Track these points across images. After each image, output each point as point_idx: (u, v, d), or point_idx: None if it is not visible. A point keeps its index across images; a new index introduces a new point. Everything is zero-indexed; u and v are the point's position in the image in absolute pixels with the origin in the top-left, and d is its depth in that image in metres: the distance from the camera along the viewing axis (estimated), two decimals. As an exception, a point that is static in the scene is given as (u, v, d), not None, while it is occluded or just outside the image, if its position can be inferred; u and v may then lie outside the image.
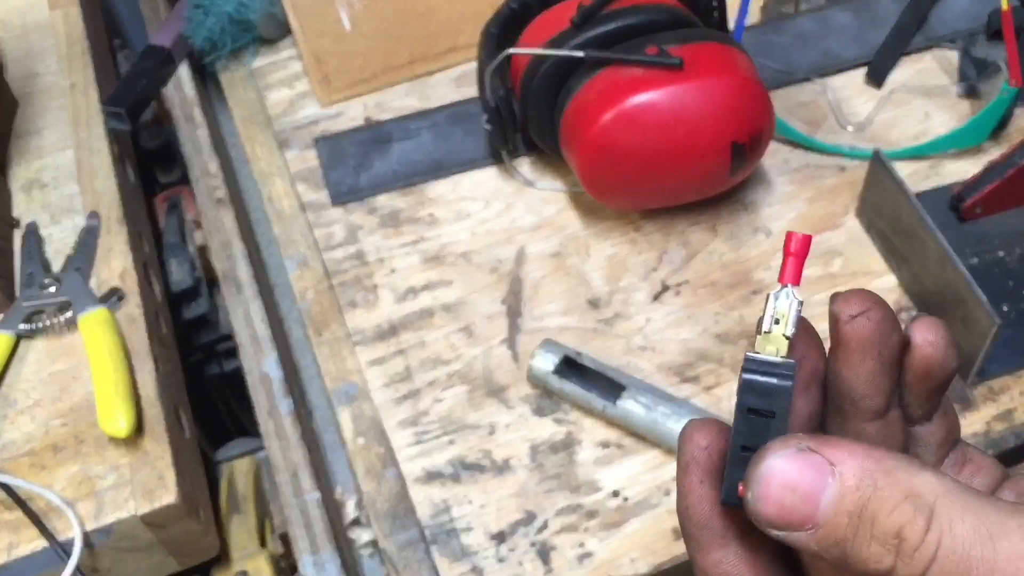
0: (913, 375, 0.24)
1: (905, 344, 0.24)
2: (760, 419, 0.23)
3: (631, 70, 0.51)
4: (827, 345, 0.25)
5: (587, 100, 0.51)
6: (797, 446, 0.21)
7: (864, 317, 0.23)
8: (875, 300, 0.23)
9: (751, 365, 0.23)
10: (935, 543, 0.19)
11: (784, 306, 0.23)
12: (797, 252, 0.23)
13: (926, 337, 0.23)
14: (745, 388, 0.23)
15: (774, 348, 0.23)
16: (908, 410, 0.25)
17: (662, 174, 0.52)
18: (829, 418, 0.25)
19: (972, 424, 0.51)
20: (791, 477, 0.21)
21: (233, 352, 0.67)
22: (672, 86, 0.49)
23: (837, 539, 0.20)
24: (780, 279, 0.23)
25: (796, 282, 0.23)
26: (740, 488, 0.22)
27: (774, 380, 0.23)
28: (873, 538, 0.20)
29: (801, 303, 0.23)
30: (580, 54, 0.52)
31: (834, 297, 0.24)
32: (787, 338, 0.23)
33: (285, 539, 0.56)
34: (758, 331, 0.23)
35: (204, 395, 0.69)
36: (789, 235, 0.23)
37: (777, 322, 0.23)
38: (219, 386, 0.70)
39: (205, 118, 0.65)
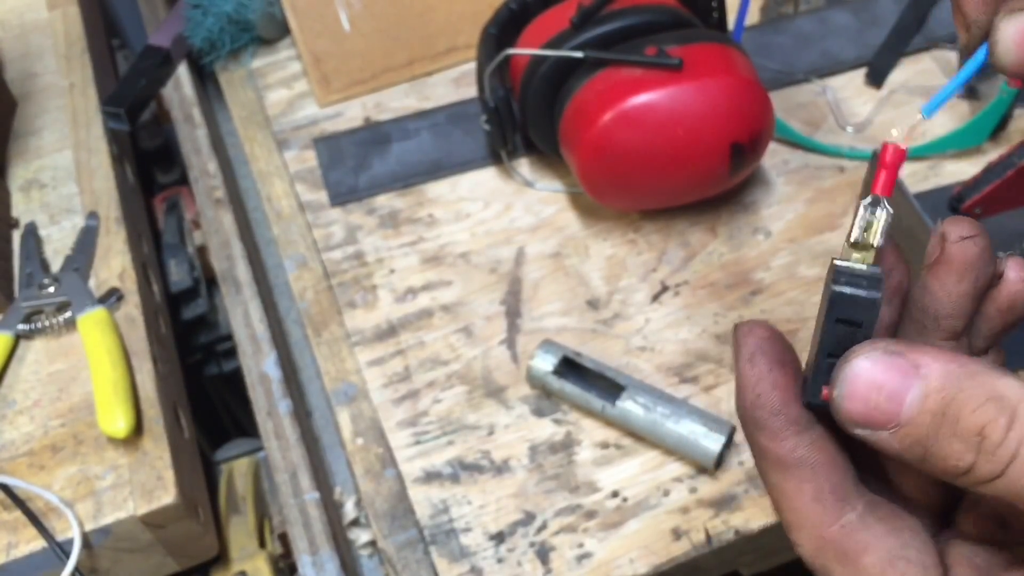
0: (995, 307, 0.25)
1: (996, 277, 0.24)
2: (847, 328, 0.23)
3: (630, 71, 0.51)
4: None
5: (586, 101, 0.51)
6: (884, 348, 0.21)
7: (972, 241, 0.24)
8: (982, 229, 0.24)
9: (840, 276, 0.23)
10: (1016, 441, 0.20)
11: (875, 216, 0.23)
12: (891, 163, 0.24)
13: (1020, 274, 0.24)
14: (834, 299, 0.23)
15: (861, 257, 0.23)
16: (973, 340, 0.25)
17: (662, 175, 0.52)
18: (904, 333, 0.26)
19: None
20: (877, 377, 0.21)
21: (232, 352, 0.67)
22: (672, 87, 0.49)
23: (919, 438, 0.21)
24: (872, 190, 0.24)
25: (888, 193, 0.24)
26: (824, 392, 0.23)
27: (862, 292, 0.23)
28: (955, 436, 0.20)
29: (891, 214, 0.24)
30: (579, 55, 0.52)
31: (942, 221, 0.25)
32: (875, 248, 0.23)
33: (284, 539, 0.56)
34: (847, 240, 0.24)
35: (203, 395, 0.69)
36: (885, 145, 0.24)
37: (866, 232, 0.23)
38: (218, 386, 0.70)
39: (204, 118, 0.65)
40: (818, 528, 0.23)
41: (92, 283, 0.55)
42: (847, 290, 0.23)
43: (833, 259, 0.24)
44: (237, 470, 0.58)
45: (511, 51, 0.54)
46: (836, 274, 0.23)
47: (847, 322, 0.23)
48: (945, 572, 0.22)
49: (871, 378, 0.21)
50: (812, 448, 0.24)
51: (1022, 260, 0.25)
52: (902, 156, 0.23)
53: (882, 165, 0.24)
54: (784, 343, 0.25)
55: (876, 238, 0.23)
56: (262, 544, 0.55)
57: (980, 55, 0.25)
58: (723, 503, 0.48)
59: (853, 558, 0.23)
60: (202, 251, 0.64)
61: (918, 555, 0.22)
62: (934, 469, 0.21)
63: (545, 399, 0.52)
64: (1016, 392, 0.20)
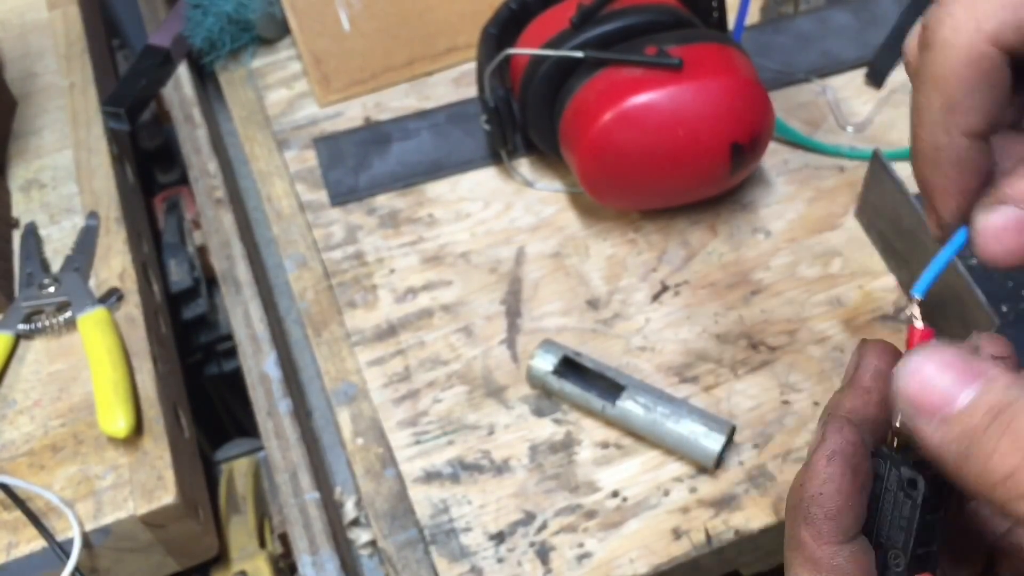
0: None
1: None
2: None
3: (631, 70, 0.51)
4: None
5: (587, 100, 0.51)
6: (959, 353, 0.22)
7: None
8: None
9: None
10: None
11: None
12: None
13: (995, 351, 0.25)
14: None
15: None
16: None
17: (662, 175, 0.52)
18: None
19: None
20: (946, 366, 0.21)
21: (232, 352, 0.67)
22: (672, 87, 0.50)
23: (967, 430, 0.21)
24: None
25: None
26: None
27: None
28: (1006, 434, 0.20)
29: None
30: (580, 54, 0.52)
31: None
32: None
33: (284, 539, 0.56)
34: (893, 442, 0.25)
35: (203, 395, 0.69)
36: (912, 331, 0.25)
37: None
38: (218, 386, 0.70)
39: (204, 118, 0.65)
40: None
41: (92, 283, 0.55)
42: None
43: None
44: (237, 470, 0.58)
45: (511, 51, 0.54)
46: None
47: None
48: None
49: (941, 363, 0.22)
50: (849, 560, 0.24)
51: (999, 339, 0.25)
52: (929, 335, 0.25)
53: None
54: (864, 451, 0.25)
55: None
56: (262, 544, 0.55)
57: (960, 237, 0.25)
58: (723, 503, 0.48)
59: None
60: (202, 251, 0.64)
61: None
62: (971, 471, 0.21)
63: (545, 399, 0.52)
64: None
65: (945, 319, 0.51)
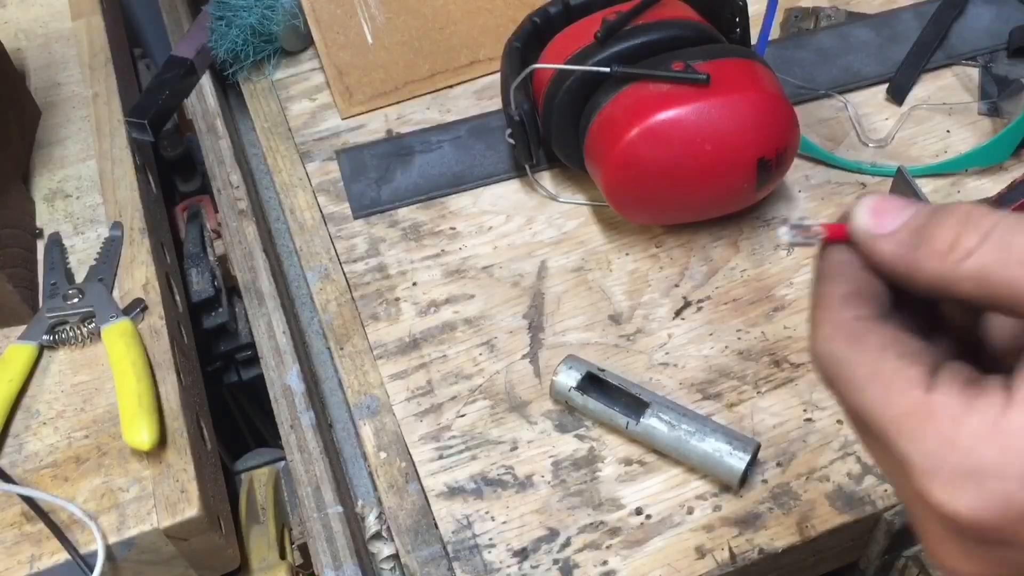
0: None
1: None
2: None
3: (657, 86, 0.51)
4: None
5: (613, 115, 0.51)
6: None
7: None
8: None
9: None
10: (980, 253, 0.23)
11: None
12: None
13: None
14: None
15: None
16: None
17: (688, 190, 0.52)
18: None
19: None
20: (891, 197, 0.26)
21: (251, 361, 0.67)
22: (699, 102, 0.49)
23: (917, 226, 0.24)
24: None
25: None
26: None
27: None
28: (947, 216, 0.24)
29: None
30: (607, 69, 0.52)
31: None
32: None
33: (304, 550, 0.56)
34: None
35: (222, 404, 0.69)
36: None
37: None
38: (237, 394, 0.70)
39: (227, 129, 0.65)
40: (837, 316, 0.25)
41: (116, 293, 0.55)
42: None
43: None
44: (257, 480, 0.58)
45: (538, 66, 0.54)
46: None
47: None
48: (936, 369, 0.24)
49: (885, 196, 0.26)
50: (854, 265, 0.26)
51: None
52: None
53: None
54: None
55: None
56: (282, 555, 0.55)
57: None
58: (747, 521, 0.48)
59: (859, 337, 0.25)
60: (223, 260, 0.65)
61: (919, 344, 0.25)
62: (922, 256, 0.24)
63: (568, 414, 0.52)
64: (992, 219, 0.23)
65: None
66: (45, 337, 0.53)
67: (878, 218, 0.25)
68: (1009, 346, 0.28)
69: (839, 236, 0.26)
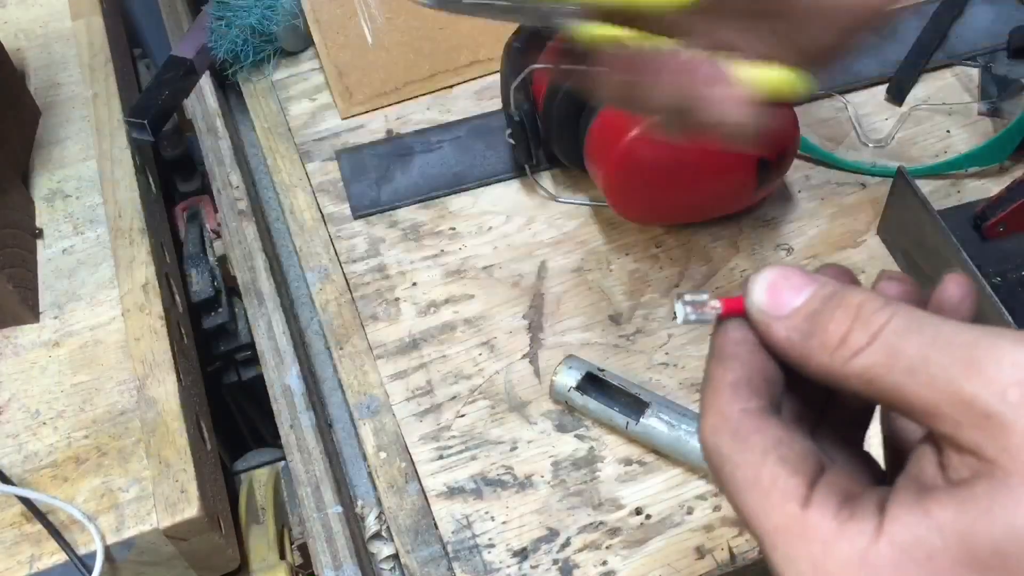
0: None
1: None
2: None
3: (657, 87, 0.51)
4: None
5: (613, 116, 0.51)
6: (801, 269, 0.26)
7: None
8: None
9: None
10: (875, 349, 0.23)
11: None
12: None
13: (960, 291, 0.28)
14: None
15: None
16: None
17: (689, 190, 0.52)
18: None
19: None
20: (790, 271, 0.25)
21: (251, 361, 0.67)
22: (699, 103, 0.49)
23: (809, 312, 0.24)
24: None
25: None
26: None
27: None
28: (839, 308, 0.24)
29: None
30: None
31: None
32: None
33: (304, 550, 0.55)
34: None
35: (222, 404, 0.69)
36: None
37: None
38: (236, 394, 0.70)
39: (227, 129, 0.65)
40: (724, 407, 0.25)
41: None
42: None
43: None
44: (257, 480, 0.58)
45: (538, 66, 0.54)
46: None
47: None
48: (815, 481, 0.24)
49: (784, 272, 0.25)
50: (749, 345, 0.26)
51: (961, 278, 0.28)
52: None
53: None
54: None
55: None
56: (282, 555, 0.55)
57: None
58: (747, 521, 0.48)
59: (743, 436, 0.24)
60: (223, 260, 0.64)
61: (802, 447, 0.24)
62: (814, 346, 0.24)
63: (568, 414, 0.52)
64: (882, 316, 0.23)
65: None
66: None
67: (774, 297, 0.25)
68: (907, 438, 0.27)
69: (736, 311, 0.26)
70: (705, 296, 0.27)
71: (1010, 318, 0.47)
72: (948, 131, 0.63)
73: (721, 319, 0.27)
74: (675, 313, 0.27)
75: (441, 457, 0.51)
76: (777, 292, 0.25)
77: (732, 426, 0.25)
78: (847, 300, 0.24)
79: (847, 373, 0.23)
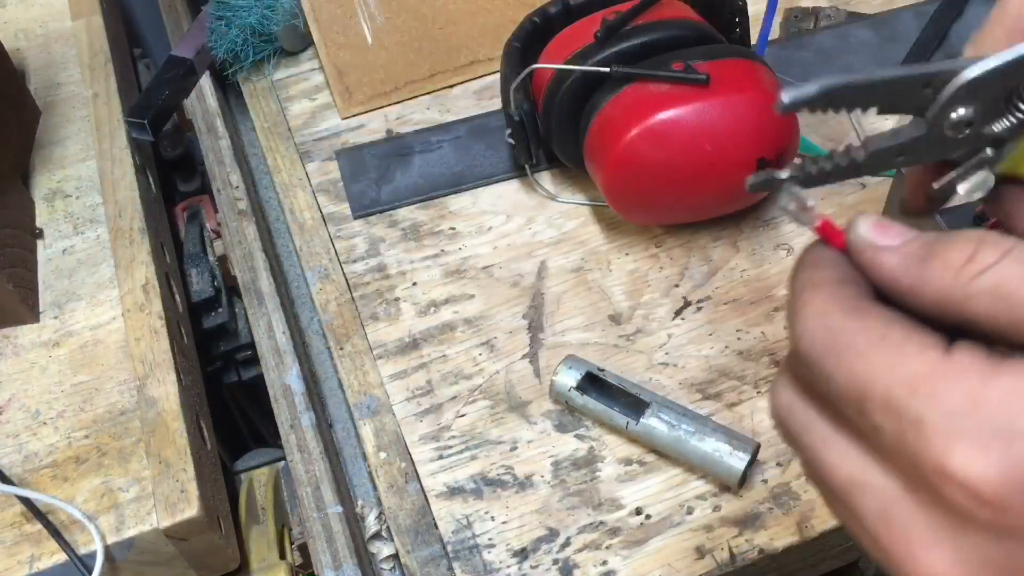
0: None
1: None
2: None
3: (657, 86, 0.51)
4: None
5: (613, 115, 0.51)
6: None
7: None
8: None
9: None
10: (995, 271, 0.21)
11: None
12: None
13: None
14: None
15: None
16: None
17: (688, 190, 0.52)
18: None
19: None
20: (899, 223, 0.24)
21: (251, 361, 0.67)
22: (699, 102, 0.49)
23: (927, 241, 0.23)
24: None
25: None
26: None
27: None
28: (958, 235, 0.22)
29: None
30: (607, 69, 0.52)
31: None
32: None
33: (304, 550, 0.56)
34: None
35: (222, 404, 0.69)
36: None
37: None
38: (236, 394, 0.70)
39: (227, 129, 0.65)
40: (835, 292, 0.24)
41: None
42: None
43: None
44: (257, 480, 0.58)
45: (538, 66, 0.54)
46: None
47: None
48: (951, 341, 0.22)
49: (890, 220, 0.24)
50: (848, 264, 0.25)
51: None
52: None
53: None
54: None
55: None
56: (282, 555, 0.55)
57: None
58: (747, 521, 0.48)
59: (863, 311, 0.23)
60: (223, 260, 0.65)
61: (923, 327, 0.23)
62: (934, 268, 0.22)
63: (568, 414, 0.52)
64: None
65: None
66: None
67: (883, 230, 0.24)
68: None
69: (832, 239, 0.25)
70: (812, 203, 0.25)
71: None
72: (948, 131, 0.63)
73: (818, 232, 0.25)
74: (780, 195, 0.26)
75: (441, 457, 0.51)
76: (884, 228, 0.24)
77: (846, 305, 0.23)
78: (966, 232, 0.22)
79: (972, 292, 0.21)
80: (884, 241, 0.24)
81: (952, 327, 0.22)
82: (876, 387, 0.21)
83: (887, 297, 0.24)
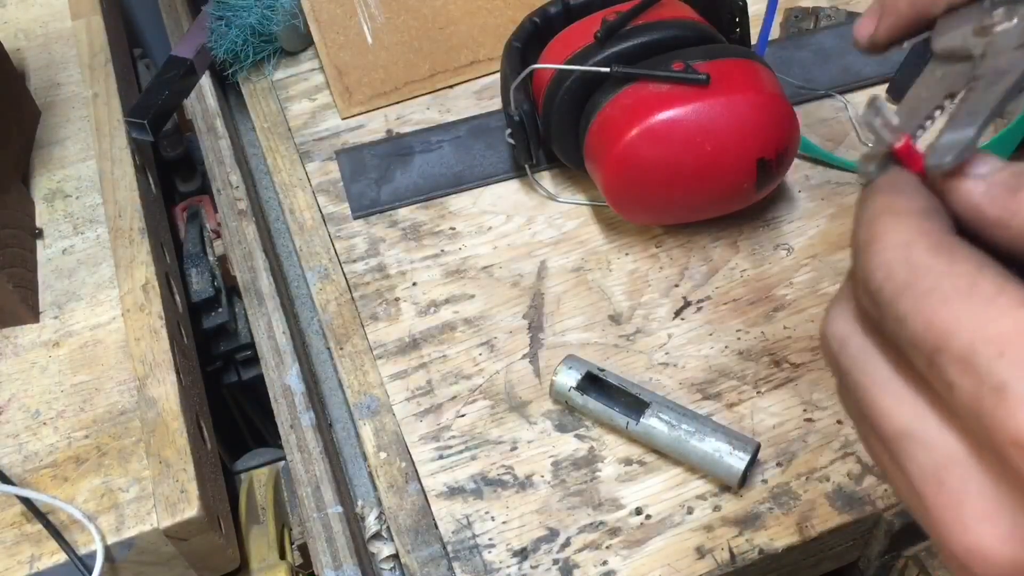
0: None
1: None
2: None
3: (657, 86, 0.51)
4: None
5: (613, 115, 0.51)
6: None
7: None
8: None
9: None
10: None
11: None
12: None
13: None
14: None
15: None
16: None
17: (688, 190, 0.52)
18: None
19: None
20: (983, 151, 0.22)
21: (251, 361, 0.67)
22: (699, 102, 0.49)
23: (1018, 169, 0.21)
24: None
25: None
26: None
27: None
28: None
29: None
30: (606, 69, 0.52)
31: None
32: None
33: (304, 550, 0.56)
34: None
35: (222, 404, 0.69)
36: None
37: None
38: (236, 394, 0.70)
39: (227, 129, 0.65)
40: (920, 225, 0.21)
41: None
42: None
43: None
44: (257, 480, 0.58)
45: (538, 66, 0.54)
46: None
47: None
48: None
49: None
50: (927, 191, 0.23)
51: None
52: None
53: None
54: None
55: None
56: (282, 555, 0.55)
57: None
58: (747, 521, 0.48)
59: (949, 249, 0.21)
60: (223, 260, 0.65)
61: (1013, 276, 0.21)
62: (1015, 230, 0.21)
63: (568, 414, 0.52)
64: None
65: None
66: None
67: (968, 159, 0.22)
68: None
69: (913, 163, 0.23)
70: (897, 120, 0.24)
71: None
72: (948, 131, 0.63)
73: (894, 156, 0.24)
74: (867, 107, 0.24)
75: (441, 457, 0.51)
76: (971, 156, 0.22)
77: (933, 240, 0.21)
78: None
79: None
80: (970, 169, 0.22)
81: None
82: (957, 340, 0.19)
83: (968, 232, 0.22)
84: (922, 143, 0.24)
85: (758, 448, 0.49)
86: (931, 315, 0.20)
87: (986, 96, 0.24)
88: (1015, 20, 0.27)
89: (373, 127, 0.65)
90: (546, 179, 0.62)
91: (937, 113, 0.25)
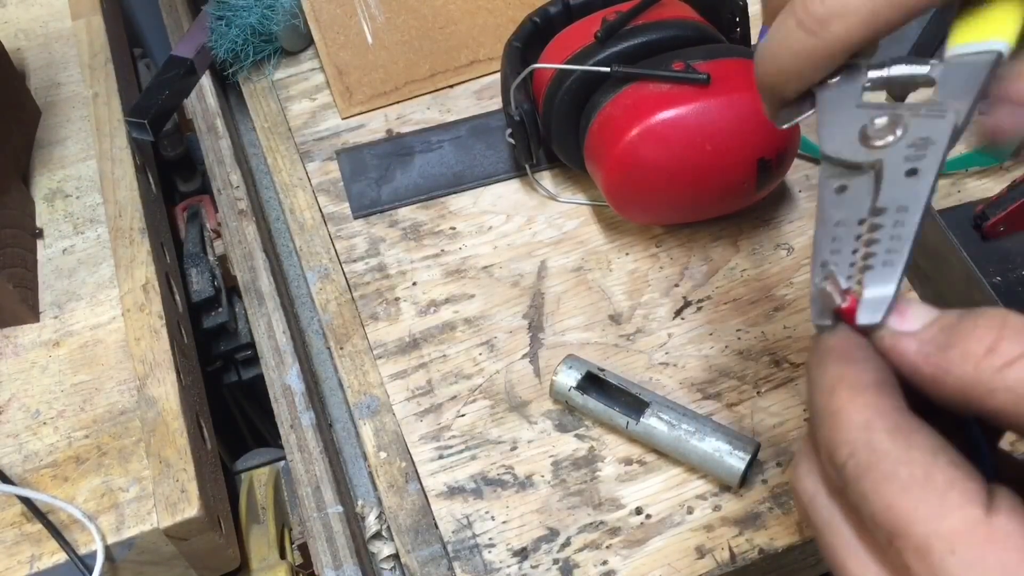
0: None
1: None
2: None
3: (658, 86, 0.51)
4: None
5: (613, 115, 0.51)
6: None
7: None
8: None
9: None
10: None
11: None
12: None
13: None
14: None
15: None
16: None
17: (688, 190, 0.52)
18: None
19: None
20: (918, 302, 0.24)
21: (251, 360, 0.67)
22: (700, 102, 0.49)
23: (946, 325, 0.22)
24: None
25: None
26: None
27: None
28: (980, 319, 0.22)
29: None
30: (607, 69, 0.52)
31: None
32: None
33: (304, 550, 0.56)
34: None
35: (222, 404, 0.69)
36: None
37: None
38: (236, 394, 0.70)
39: (227, 129, 0.65)
40: (877, 403, 0.22)
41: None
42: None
43: None
44: (257, 480, 0.58)
45: (538, 66, 0.54)
46: None
47: None
48: (992, 490, 0.21)
49: (909, 299, 0.24)
50: (873, 353, 0.24)
51: None
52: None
53: None
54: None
55: None
56: (282, 555, 0.55)
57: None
58: (747, 521, 0.48)
59: (906, 433, 0.22)
60: (223, 260, 0.65)
61: (965, 462, 0.22)
62: (954, 357, 0.22)
63: (568, 414, 0.52)
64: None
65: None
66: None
67: (899, 315, 0.23)
68: None
69: (852, 318, 0.24)
70: (846, 285, 0.25)
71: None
72: (948, 131, 0.63)
73: (841, 315, 0.24)
74: (814, 280, 0.25)
75: (441, 457, 0.51)
76: (902, 311, 0.23)
77: (890, 423, 0.22)
78: (987, 313, 0.22)
79: (996, 386, 0.21)
80: (902, 326, 0.23)
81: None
82: (913, 530, 0.21)
83: (913, 386, 0.23)
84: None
85: (758, 448, 0.49)
86: (891, 500, 0.21)
87: (896, 244, 0.25)
88: (899, 132, 0.27)
89: (373, 127, 0.65)
90: (546, 179, 0.62)
91: (859, 248, 0.26)
